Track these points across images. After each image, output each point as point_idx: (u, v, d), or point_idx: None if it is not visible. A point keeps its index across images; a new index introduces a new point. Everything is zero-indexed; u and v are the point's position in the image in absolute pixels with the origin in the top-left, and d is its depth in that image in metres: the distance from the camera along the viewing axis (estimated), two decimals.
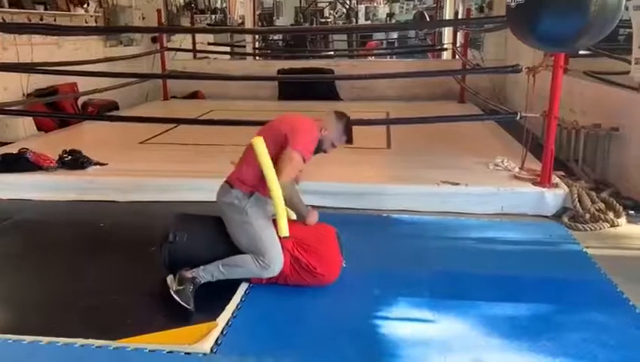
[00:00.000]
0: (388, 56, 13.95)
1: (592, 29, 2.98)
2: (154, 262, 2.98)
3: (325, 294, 2.78)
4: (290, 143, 2.79)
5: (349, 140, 3.04)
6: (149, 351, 2.39)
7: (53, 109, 6.78)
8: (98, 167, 4.76)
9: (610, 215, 3.92)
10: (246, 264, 2.81)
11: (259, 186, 2.84)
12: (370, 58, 12.63)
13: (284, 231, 2.81)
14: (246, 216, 2.83)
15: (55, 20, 7.16)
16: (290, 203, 2.86)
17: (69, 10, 7.55)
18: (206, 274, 2.83)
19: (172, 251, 2.88)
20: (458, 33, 9.12)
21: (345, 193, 4.18)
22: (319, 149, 2.98)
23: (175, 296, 2.72)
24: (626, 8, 4.70)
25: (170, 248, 2.87)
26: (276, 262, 2.81)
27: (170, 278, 2.83)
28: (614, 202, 4.06)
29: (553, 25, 3.06)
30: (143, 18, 9.23)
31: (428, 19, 14.51)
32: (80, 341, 2.45)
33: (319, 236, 2.93)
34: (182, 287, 2.75)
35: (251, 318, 2.67)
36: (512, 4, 3.20)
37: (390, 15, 20.89)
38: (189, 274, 2.80)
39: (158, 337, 2.50)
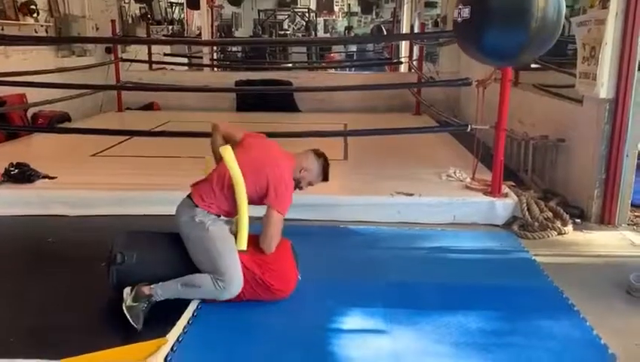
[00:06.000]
0: (347, 69, 14.13)
1: (534, 44, 3.10)
2: (103, 278, 2.88)
3: (278, 308, 2.76)
4: (273, 203, 2.82)
5: (326, 179, 3.11)
6: None
7: (0, 121, 6.54)
8: (46, 180, 4.59)
9: (558, 223, 4.04)
10: (204, 285, 2.74)
11: (230, 214, 2.86)
12: (329, 70, 12.76)
13: (243, 244, 2.79)
14: (207, 233, 2.77)
15: (2, 30, 6.94)
16: None
17: (18, 20, 7.32)
18: (164, 292, 2.74)
19: (120, 273, 2.79)
20: (414, 47, 9.31)
21: (300, 204, 4.14)
22: (295, 187, 3.00)
23: (125, 312, 2.64)
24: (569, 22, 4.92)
25: (118, 270, 2.79)
26: (234, 283, 2.73)
27: (127, 291, 2.72)
28: (561, 211, 4.19)
29: (497, 40, 3.16)
30: (97, 28, 9.04)
31: (385, 32, 14.79)
32: None
33: (275, 251, 2.90)
34: (136, 304, 2.66)
35: (202, 334, 2.62)
36: (459, 19, 3.29)
37: (349, 28, 21.26)
38: (146, 290, 2.71)
39: (106, 355, 2.42)
